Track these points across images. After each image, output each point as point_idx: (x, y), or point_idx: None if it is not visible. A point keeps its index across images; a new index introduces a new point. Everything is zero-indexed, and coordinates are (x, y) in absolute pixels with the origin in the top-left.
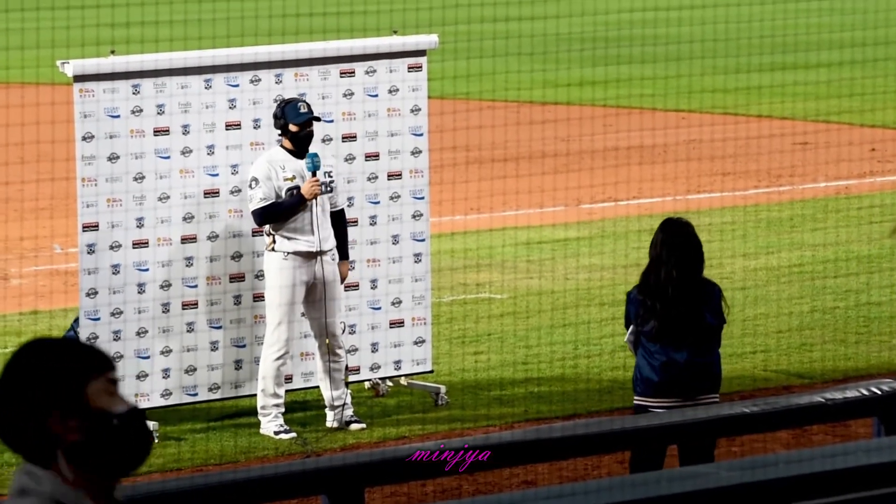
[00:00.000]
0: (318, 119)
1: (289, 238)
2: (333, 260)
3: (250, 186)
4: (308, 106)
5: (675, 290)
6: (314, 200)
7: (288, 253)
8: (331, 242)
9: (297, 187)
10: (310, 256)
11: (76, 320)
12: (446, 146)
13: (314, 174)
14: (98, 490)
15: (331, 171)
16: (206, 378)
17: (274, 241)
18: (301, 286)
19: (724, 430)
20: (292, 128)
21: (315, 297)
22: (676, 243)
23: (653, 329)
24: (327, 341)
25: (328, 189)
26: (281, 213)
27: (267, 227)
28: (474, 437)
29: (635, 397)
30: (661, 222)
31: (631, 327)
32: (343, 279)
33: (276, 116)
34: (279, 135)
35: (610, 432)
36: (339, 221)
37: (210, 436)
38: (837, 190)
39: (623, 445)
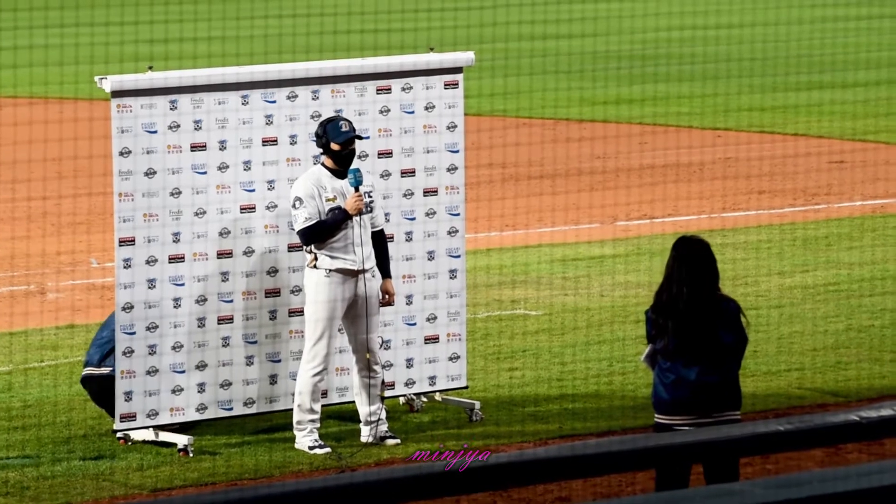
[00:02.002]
0: (360, 137)
1: (331, 256)
2: (374, 277)
3: (294, 206)
4: (350, 124)
5: (686, 307)
6: (356, 218)
7: (330, 270)
8: (372, 260)
9: (339, 207)
10: (352, 274)
11: (102, 353)
12: (482, 163)
13: (357, 189)
14: None
15: (371, 191)
16: (242, 393)
17: (316, 259)
18: (342, 302)
19: (759, 448)
20: (334, 146)
21: (355, 314)
22: (688, 260)
23: (665, 347)
24: (367, 356)
25: (368, 209)
26: (326, 231)
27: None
28: (509, 452)
29: (655, 415)
30: (675, 240)
31: (649, 346)
32: (391, 295)
33: (317, 135)
34: (321, 153)
35: (645, 449)
36: (380, 241)
37: (245, 450)
38: (873, 209)
39: (658, 462)
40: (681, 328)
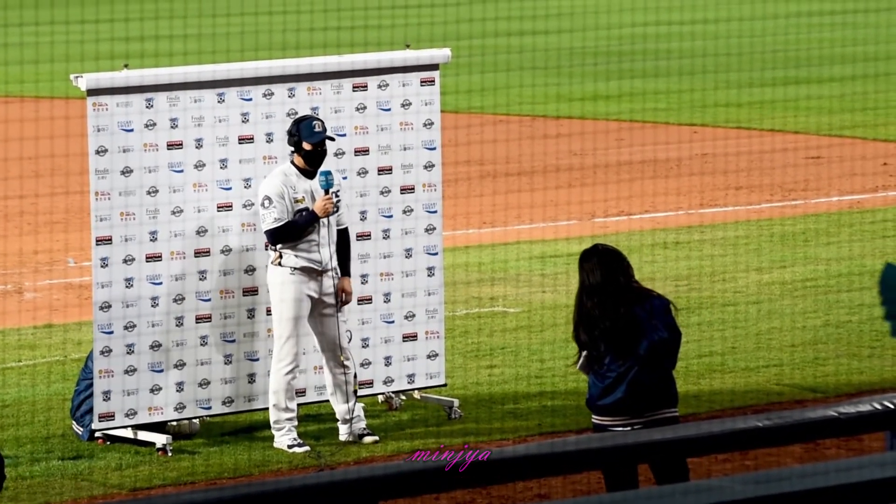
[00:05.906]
0: (332, 139)
1: (296, 255)
2: (338, 275)
3: (263, 205)
4: (323, 124)
5: (601, 313)
6: (325, 219)
7: (294, 268)
8: (336, 259)
9: (307, 209)
10: (316, 273)
11: (87, 370)
12: (459, 160)
13: (327, 192)
14: None
15: (338, 191)
16: (220, 391)
17: (280, 256)
18: (307, 301)
19: (737, 444)
20: (306, 146)
21: (321, 312)
22: (590, 269)
23: (595, 354)
24: (340, 356)
25: (335, 209)
26: (295, 232)
27: None
28: (489, 449)
29: (592, 416)
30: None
31: (582, 354)
32: (348, 294)
33: (290, 133)
34: (291, 151)
35: (624, 446)
36: (344, 240)
37: (224, 449)
38: (850, 204)
39: (637, 459)
40: (604, 335)
